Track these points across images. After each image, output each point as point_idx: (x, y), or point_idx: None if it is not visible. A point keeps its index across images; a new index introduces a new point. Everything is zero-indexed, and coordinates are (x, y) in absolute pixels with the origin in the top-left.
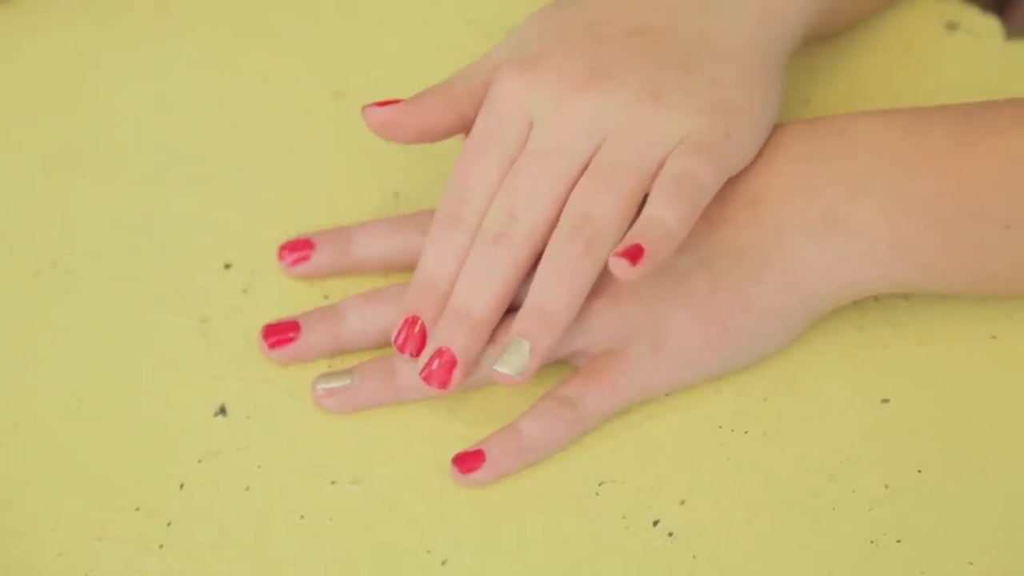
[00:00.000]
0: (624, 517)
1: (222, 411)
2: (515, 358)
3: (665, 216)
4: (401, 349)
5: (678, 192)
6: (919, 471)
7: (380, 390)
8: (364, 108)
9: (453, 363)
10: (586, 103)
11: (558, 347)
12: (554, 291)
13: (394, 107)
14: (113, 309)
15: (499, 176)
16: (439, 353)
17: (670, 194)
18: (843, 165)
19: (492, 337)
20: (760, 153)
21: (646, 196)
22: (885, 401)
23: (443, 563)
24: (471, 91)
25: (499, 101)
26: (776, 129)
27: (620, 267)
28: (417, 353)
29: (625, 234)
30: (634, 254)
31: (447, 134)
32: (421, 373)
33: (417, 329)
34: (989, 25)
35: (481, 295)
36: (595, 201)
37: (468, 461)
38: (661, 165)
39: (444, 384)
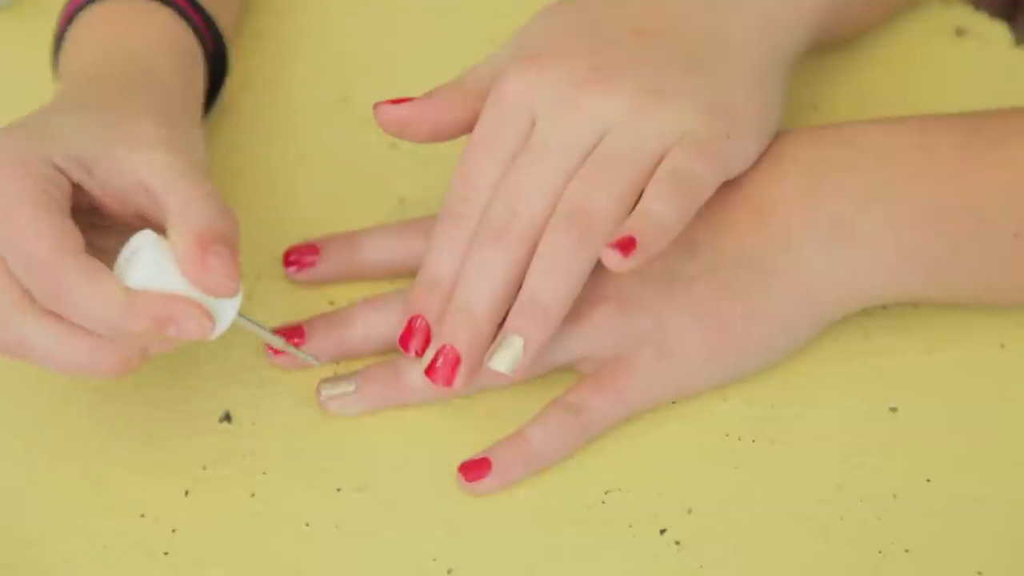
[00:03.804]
0: (631, 526)
1: (227, 417)
2: (508, 354)
3: (659, 210)
4: (406, 348)
5: (674, 188)
6: (927, 480)
7: (386, 392)
8: (376, 106)
9: (457, 360)
10: (588, 100)
11: (563, 352)
12: (547, 284)
13: (407, 105)
14: None
15: (501, 173)
16: (443, 351)
17: (666, 189)
18: (850, 174)
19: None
20: (766, 161)
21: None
22: (893, 410)
23: (449, 571)
24: (482, 88)
25: (503, 98)
26: (783, 137)
27: (611, 258)
28: (422, 351)
29: None
30: (625, 246)
31: (459, 132)
32: (426, 371)
33: (420, 325)
34: (997, 31)
35: (481, 292)
36: (590, 195)
37: (475, 469)
38: (659, 162)
39: (449, 382)
